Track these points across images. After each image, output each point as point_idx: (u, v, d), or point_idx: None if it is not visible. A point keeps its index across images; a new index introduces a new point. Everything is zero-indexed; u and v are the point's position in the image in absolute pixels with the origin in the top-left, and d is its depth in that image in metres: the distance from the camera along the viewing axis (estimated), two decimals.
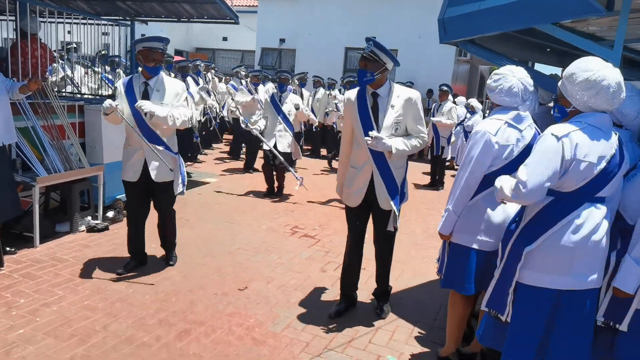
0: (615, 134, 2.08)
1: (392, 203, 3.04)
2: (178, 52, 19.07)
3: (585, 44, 2.69)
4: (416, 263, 4.48)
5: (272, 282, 3.77)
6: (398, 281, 4.01)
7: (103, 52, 7.47)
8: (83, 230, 4.53)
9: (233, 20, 7.04)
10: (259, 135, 6.16)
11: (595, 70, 1.98)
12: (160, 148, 3.56)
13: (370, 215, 3.25)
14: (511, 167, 2.41)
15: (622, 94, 2.01)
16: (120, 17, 7.30)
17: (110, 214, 4.81)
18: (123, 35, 6.58)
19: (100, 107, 3.57)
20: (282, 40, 14.81)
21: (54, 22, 5.72)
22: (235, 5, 19.45)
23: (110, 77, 7.17)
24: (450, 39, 3.31)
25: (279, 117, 6.33)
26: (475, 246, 2.54)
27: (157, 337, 2.85)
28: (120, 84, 3.62)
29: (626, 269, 2.06)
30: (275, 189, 6.70)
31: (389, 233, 3.19)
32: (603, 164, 2.00)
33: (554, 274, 2.06)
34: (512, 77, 2.52)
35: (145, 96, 3.52)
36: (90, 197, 4.73)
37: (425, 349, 2.98)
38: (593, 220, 2.03)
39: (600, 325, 2.18)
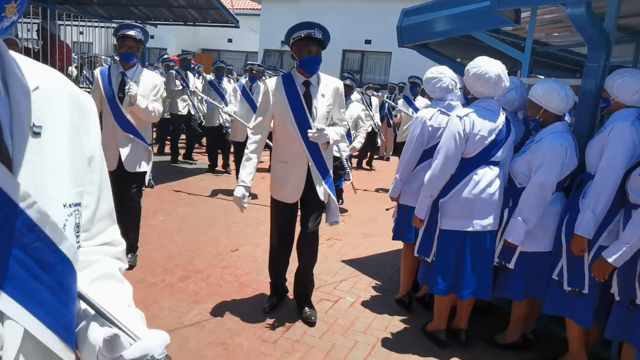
0: (503, 114, 2.78)
1: (329, 192, 3.00)
2: (185, 52, 19.86)
3: (503, 47, 3.38)
4: (387, 236, 5.15)
5: (260, 247, 4.48)
6: (368, 249, 4.72)
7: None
8: None
9: (234, 25, 7.80)
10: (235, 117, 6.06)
11: (480, 66, 2.68)
12: (133, 137, 3.56)
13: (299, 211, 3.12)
14: None
15: (504, 83, 2.70)
16: (133, 21, 8.05)
17: None
18: None
19: None
20: (283, 42, 15.55)
21: (74, 25, 6.49)
22: (239, 9, 20.22)
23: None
24: (406, 43, 4.02)
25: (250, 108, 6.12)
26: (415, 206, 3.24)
27: (163, 279, 3.57)
28: (98, 73, 3.61)
29: (512, 225, 2.73)
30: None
31: (317, 228, 3.12)
32: (493, 136, 2.70)
33: (461, 219, 2.76)
34: (445, 77, 3.22)
35: (122, 86, 3.51)
36: None
37: (379, 294, 3.68)
38: (487, 178, 2.73)
39: (496, 265, 2.87)
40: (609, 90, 2.53)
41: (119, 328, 0.71)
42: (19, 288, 0.64)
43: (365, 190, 7.37)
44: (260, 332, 2.94)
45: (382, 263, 4.38)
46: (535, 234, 2.73)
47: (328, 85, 2.99)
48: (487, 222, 2.76)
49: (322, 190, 2.97)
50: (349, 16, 13.87)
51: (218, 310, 3.18)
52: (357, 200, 6.48)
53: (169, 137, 8.51)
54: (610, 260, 2.30)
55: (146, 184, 3.78)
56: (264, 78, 7.74)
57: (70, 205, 0.74)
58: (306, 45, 2.85)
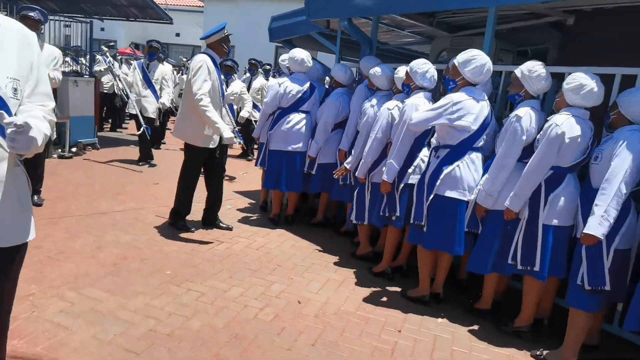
0: (309, 82, 4.68)
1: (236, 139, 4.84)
2: (135, 45, 21.08)
3: (327, 43, 5.30)
4: None
5: (174, 182, 6.24)
6: (258, 187, 6.57)
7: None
8: (55, 157, 6.86)
9: (168, 22, 9.45)
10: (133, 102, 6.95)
11: (294, 53, 4.59)
12: None
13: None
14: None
15: (306, 63, 4.60)
16: (81, 15, 9.55)
17: (73, 149, 7.15)
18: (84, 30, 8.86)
19: (68, 78, 5.89)
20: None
21: None
22: (187, 5, 21.64)
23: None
24: (274, 39, 5.89)
25: (146, 84, 7.06)
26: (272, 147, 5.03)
27: (101, 194, 5.29)
28: None
29: (311, 146, 4.64)
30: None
31: (223, 167, 4.51)
32: (299, 95, 4.60)
33: (280, 143, 4.66)
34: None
35: None
36: (60, 137, 7.05)
37: (251, 206, 5.54)
38: (296, 119, 4.64)
39: (307, 173, 4.78)
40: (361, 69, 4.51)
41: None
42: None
43: None
44: (161, 210, 4.74)
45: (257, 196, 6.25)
46: (326, 151, 4.66)
47: None
48: (296, 146, 4.67)
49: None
50: None
51: (137, 206, 4.95)
52: None
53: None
54: (358, 175, 4.19)
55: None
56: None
57: (10, 78, 1.50)
58: (229, 40, 4.23)
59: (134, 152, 8.04)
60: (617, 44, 4.45)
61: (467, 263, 3.23)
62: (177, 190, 4.50)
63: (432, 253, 3.35)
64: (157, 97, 7.14)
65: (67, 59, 9.20)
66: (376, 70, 4.00)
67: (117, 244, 3.86)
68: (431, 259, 3.38)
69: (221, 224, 4.59)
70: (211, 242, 4.16)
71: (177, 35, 21.67)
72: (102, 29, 21.55)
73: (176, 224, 4.44)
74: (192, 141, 4.22)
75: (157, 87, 7.16)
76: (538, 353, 2.85)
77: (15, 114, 1.55)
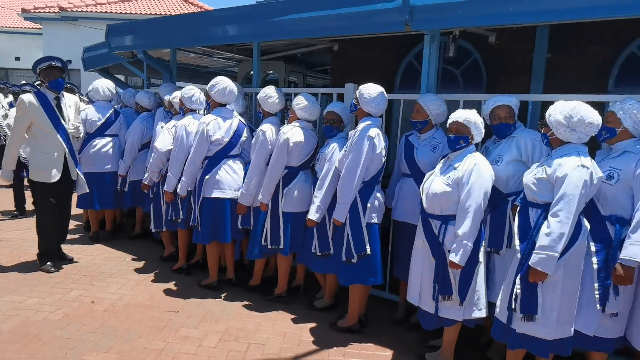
0: (112, 109, 5.15)
1: (78, 171, 4.34)
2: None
3: (136, 70, 5.82)
4: None
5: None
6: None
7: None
8: None
9: None
10: None
11: (95, 84, 5.05)
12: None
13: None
14: None
15: (107, 93, 5.08)
16: None
17: None
18: None
19: None
20: (68, 61, 16.59)
21: None
22: (26, 28, 20.36)
23: None
24: (89, 68, 6.24)
25: None
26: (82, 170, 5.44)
27: None
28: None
29: (120, 165, 5.14)
30: None
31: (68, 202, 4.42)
32: (102, 121, 5.07)
33: (89, 165, 5.05)
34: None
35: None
36: None
37: (78, 228, 5.81)
38: (102, 143, 5.07)
39: (118, 190, 5.24)
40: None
41: None
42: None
43: None
44: None
45: None
46: (135, 169, 5.16)
47: (69, 99, 4.41)
48: (105, 167, 5.11)
49: (74, 170, 4.29)
50: None
51: None
52: None
53: None
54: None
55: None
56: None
57: None
58: (52, 72, 4.08)
59: None
60: (363, 66, 5.67)
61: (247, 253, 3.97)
62: (37, 232, 4.36)
63: (215, 246, 4.05)
64: None
65: None
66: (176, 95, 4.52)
67: None
68: (216, 251, 4.08)
69: (64, 255, 4.58)
70: (24, 262, 4.42)
71: (17, 59, 20.27)
72: None
73: (42, 265, 4.30)
74: (32, 176, 4.22)
75: None
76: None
77: None
